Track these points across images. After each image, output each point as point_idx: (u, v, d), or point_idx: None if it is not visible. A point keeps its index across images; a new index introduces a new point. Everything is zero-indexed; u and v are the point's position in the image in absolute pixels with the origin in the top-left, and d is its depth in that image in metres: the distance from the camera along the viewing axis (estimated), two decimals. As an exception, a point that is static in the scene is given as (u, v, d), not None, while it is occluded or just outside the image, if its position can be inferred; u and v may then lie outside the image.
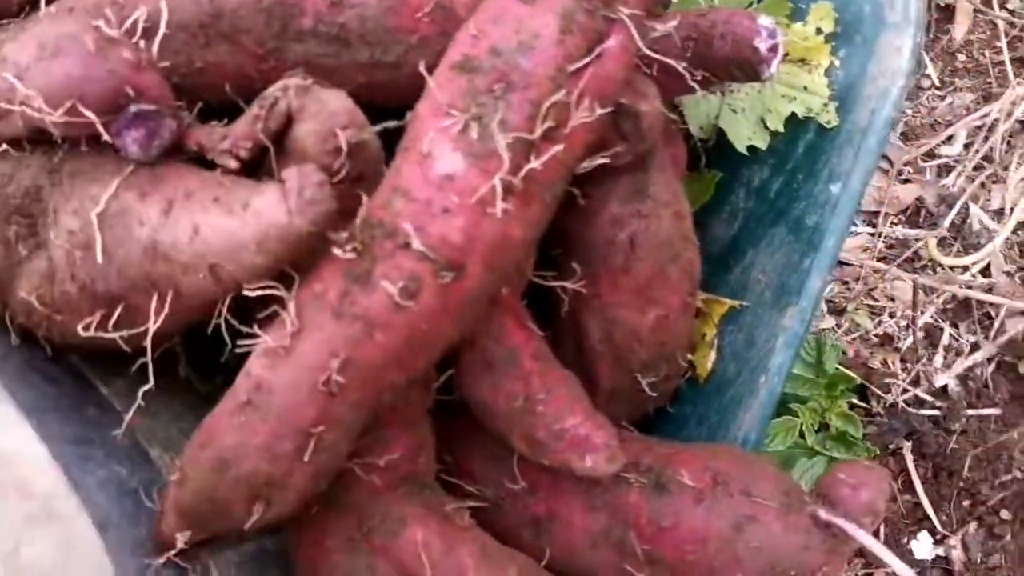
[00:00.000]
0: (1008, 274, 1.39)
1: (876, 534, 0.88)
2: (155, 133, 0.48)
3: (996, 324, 1.33)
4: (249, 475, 0.46)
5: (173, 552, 0.48)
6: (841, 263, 1.42)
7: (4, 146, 0.49)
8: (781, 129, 0.68)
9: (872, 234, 1.43)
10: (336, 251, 0.46)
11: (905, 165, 1.45)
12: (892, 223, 1.43)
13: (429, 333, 0.47)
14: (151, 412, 0.55)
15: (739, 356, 0.68)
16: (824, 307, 1.39)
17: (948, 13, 1.49)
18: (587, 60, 0.48)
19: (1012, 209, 1.38)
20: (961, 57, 1.50)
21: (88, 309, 0.48)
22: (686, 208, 0.63)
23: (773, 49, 0.59)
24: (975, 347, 1.33)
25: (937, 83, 1.49)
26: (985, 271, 1.38)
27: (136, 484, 0.51)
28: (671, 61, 0.57)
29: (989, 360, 1.32)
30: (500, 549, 0.54)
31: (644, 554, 0.57)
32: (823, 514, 0.54)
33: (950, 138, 1.45)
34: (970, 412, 1.29)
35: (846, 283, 1.42)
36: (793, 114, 0.68)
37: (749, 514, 0.55)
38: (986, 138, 1.42)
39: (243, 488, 0.46)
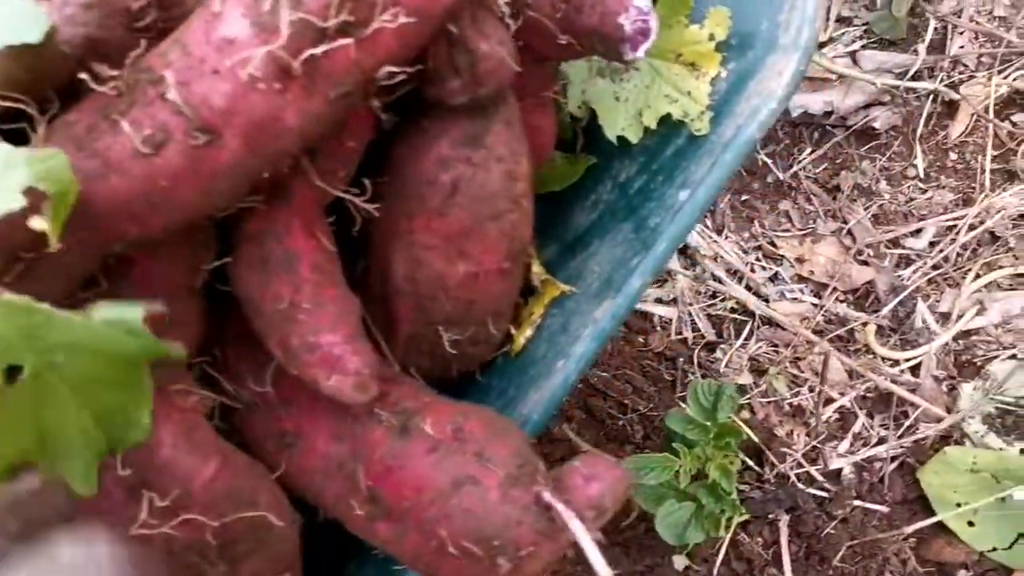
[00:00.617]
0: (936, 379, 1.35)
1: None
2: None
3: (908, 423, 1.30)
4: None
5: None
6: (776, 326, 1.40)
7: None
8: (654, 127, 0.67)
9: (815, 305, 1.40)
10: (96, 85, 0.45)
11: (867, 247, 1.42)
12: (838, 299, 1.40)
13: (170, 191, 0.46)
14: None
15: (552, 339, 0.66)
16: (747, 363, 1.36)
17: (951, 110, 1.46)
18: (401, -34, 0.47)
19: (959, 316, 1.35)
20: (952, 156, 1.47)
21: None
22: (524, 172, 0.61)
23: (643, 33, 0.58)
24: (881, 440, 1.30)
25: (922, 175, 1.46)
26: (915, 370, 1.35)
27: None
28: (539, 13, 0.56)
29: (892, 458, 1.28)
30: (210, 439, 0.53)
31: (367, 490, 0.55)
32: (546, 496, 0.52)
33: (919, 231, 1.42)
34: (857, 503, 1.25)
35: (775, 346, 1.39)
36: (668, 115, 0.66)
37: (472, 475, 0.53)
38: (953, 240, 1.39)
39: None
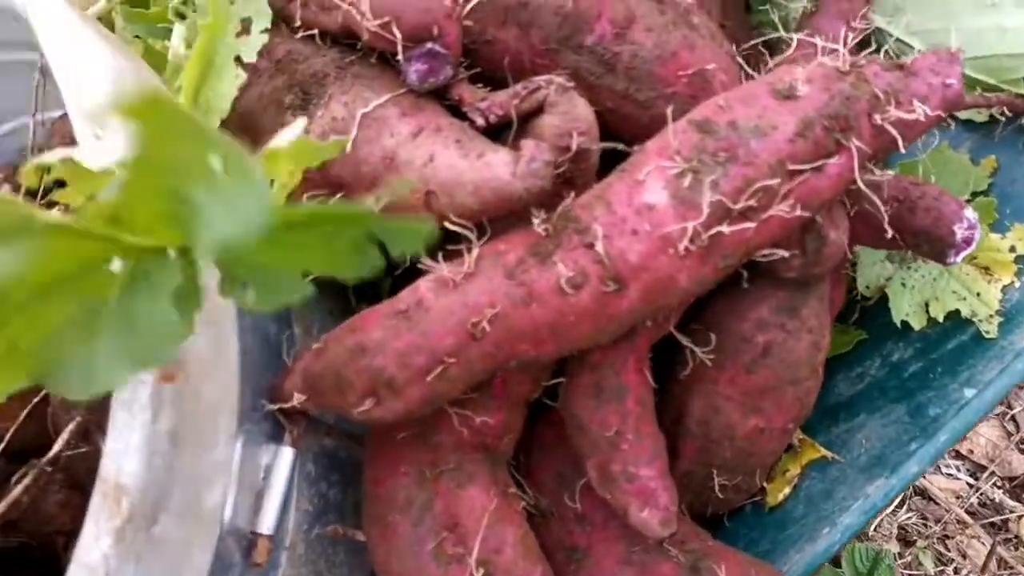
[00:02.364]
0: (1089, 586, 1.32)
1: None
2: (434, 72, 0.56)
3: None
4: (377, 369, 0.52)
5: (285, 405, 0.54)
6: (929, 498, 1.39)
7: (316, 31, 0.58)
8: (940, 319, 0.71)
9: (971, 485, 1.39)
10: (534, 223, 0.52)
11: (1031, 437, 1.41)
12: (995, 484, 1.39)
13: (572, 326, 0.52)
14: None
15: (813, 502, 0.69)
16: (895, 531, 1.36)
17: None
18: (808, 167, 0.53)
19: (1122, 527, 1.32)
20: None
21: (317, 184, 0.56)
22: (826, 343, 0.66)
23: (967, 241, 0.63)
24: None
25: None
26: (1068, 573, 1.32)
27: (276, 339, 0.58)
28: (874, 209, 0.62)
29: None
30: (536, 547, 0.58)
31: (654, 620, 0.59)
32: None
33: (1087, 433, 1.41)
34: None
35: (925, 519, 1.38)
36: (956, 310, 0.70)
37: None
38: (1123, 448, 1.38)
39: (366, 378, 0.52)
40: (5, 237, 0.31)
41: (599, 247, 0.51)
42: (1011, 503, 1.38)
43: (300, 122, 0.43)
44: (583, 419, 0.60)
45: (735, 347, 0.64)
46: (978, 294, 0.70)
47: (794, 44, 0.61)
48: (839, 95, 0.54)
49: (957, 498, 1.39)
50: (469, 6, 0.56)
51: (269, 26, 0.57)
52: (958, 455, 1.43)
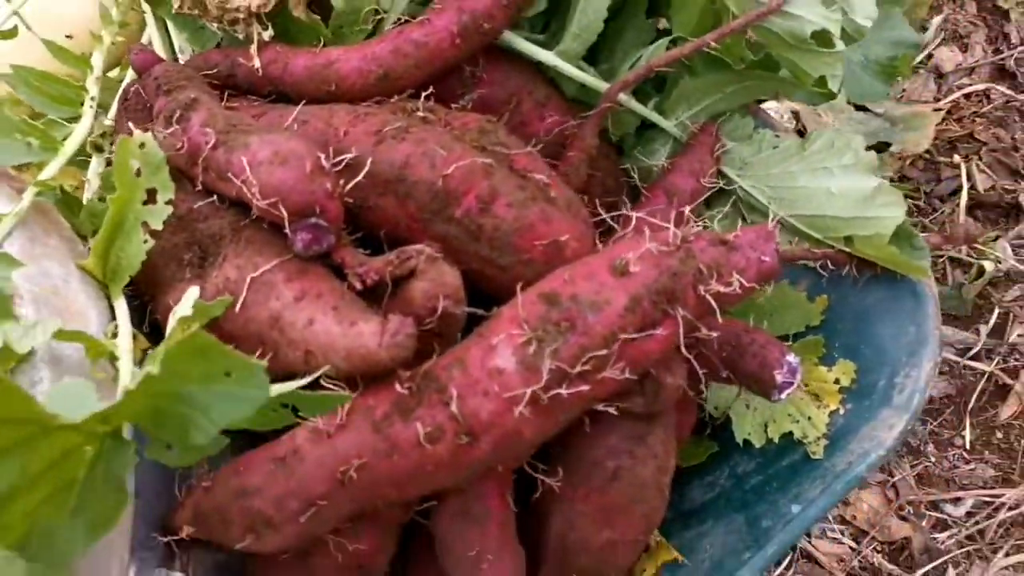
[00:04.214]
0: (957, 648, 1.44)
1: None
2: (318, 240, 0.64)
3: None
4: (257, 511, 0.59)
5: (174, 537, 0.61)
6: (814, 561, 1.50)
7: (215, 197, 0.66)
8: (776, 440, 0.81)
9: (853, 548, 1.50)
10: (398, 384, 0.60)
11: (909, 503, 1.53)
12: (875, 548, 1.51)
13: (431, 474, 0.60)
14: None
15: (663, 601, 0.78)
16: (781, 593, 1.46)
17: (1003, 392, 1.59)
18: (636, 336, 0.62)
19: (985, 590, 1.44)
20: (998, 434, 1.59)
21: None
22: (670, 466, 0.75)
23: (787, 383, 0.72)
24: None
25: (968, 447, 1.58)
26: (939, 634, 1.43)
27: (170, 472, 0.65)
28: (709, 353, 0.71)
29: None
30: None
31: None
32: None
33: (958, 500, 1.53)
34: None
35: (810, 581, 1.49)
36: (790, 433, 0.80)
37: None
38: (990, 515, 1.50)
39: (247, 518, 0.59)
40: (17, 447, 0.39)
41: (454, 407, 0.59)
42: (889, 566, 1.49)
43: (194, 290, 0.51)
44: (448, 539, 0.68)
45: (588, 470, 0.73)
46: (809, 418, 0.80)
47: (633, 222, 0.70)
48: (667, 271, 0.63)
49: (840, 561, 1.49)
50: (351, 184, 0.65)
51: (173, 196, 0.64)
52: (842, 520, 1.54)
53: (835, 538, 1.53)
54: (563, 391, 0.61)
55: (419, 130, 0.68)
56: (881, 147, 1.80)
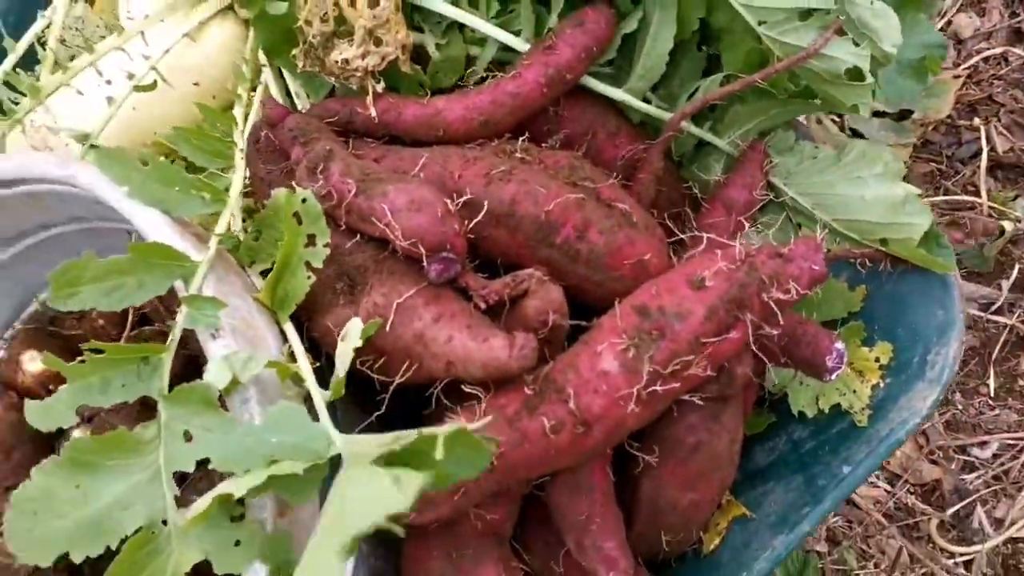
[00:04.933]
0: (984, 576, 1.59)
1: None
2: (448, 270, 0.77)
3: (958, 612, 1.53)
4: (418, 493, 0.74)
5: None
6: (852, 504, 1.65)
7: (358, 235, 0.80)
8: (826, 411, 0.94)
9: (888, 491, 1.65)
10: (524, 386, 0.74)
11: (938, 448, 1.67)
12: (908, 491, 1.65)
13: (554, 458, 0.75)
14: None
15: (735, 550, 0.93)
16: (824, 532, 1.61)
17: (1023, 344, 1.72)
18: (714, 339, 0.76)
19: (1011, 524, 1.58)
20: (1020, 382, 1.72)
21: (365, 351, 0.78)
22: (740, 438, 0.89)
23: (836, 366, 0.86)
24: (933, 622, 1.53)
25: (992, 395, 1.72)
26: (968, 565, 1.58)
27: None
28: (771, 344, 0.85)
29: (941, 638, 1.51)
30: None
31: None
32: None
33: (984, 444, 1.67)
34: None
35: (850, 522, 1.64)
36: (838, 404, 0.94)
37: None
38: (1014, 457, 1.64)
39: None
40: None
41: (571, 404, 0.74)
42: (922, 506, 1.64)
43: (356, 321, 0.65)
44: (562, 507, 0.83)
45: (673, 445, 0.87)
46: (854, 391, 0.93)
47: (704, 241, 0.83)
48: (736, 283, 0.77)
49: (877, 503, 1.64)
50: (473, 223, 0.78)
51: (329, 240, 0.78)
52: (879, 466, 1.68)
53: (871, 482, 1.68)
54: (658, 388, 0.74)
55: (520, 171, 0.81)
56: (905, 114, 1.90)
